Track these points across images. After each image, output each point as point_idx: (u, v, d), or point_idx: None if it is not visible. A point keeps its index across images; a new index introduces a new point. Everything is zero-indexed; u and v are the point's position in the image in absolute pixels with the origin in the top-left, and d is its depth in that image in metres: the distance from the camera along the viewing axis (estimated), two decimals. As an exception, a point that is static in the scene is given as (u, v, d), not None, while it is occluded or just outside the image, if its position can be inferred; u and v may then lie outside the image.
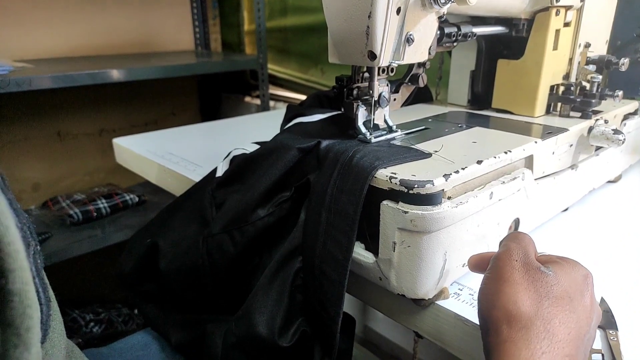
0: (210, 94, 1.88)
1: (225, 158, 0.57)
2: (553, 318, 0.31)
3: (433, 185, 0.39)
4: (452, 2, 0.44)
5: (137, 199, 1.41)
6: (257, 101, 1.67)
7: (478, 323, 0.39)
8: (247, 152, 0.54)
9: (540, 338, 0.30)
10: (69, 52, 1.46)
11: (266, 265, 0.46)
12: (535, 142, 0.51)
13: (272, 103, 1.63)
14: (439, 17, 0.48)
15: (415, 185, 0.38)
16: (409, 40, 0.45)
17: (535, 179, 0.52)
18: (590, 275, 0.35)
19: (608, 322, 0.39)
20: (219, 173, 0.55)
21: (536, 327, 0.30)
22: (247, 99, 1.76)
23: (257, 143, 0.58)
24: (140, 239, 0.59)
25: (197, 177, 0.69)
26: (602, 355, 0.35)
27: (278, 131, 0.61)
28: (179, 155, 0.82)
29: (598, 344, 0.37)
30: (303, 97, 1.54)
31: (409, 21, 0.44)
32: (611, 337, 0.37)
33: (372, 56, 0.43)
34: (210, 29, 1.79)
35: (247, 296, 0.46)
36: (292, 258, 0.45)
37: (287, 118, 0.63)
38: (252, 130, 1.02)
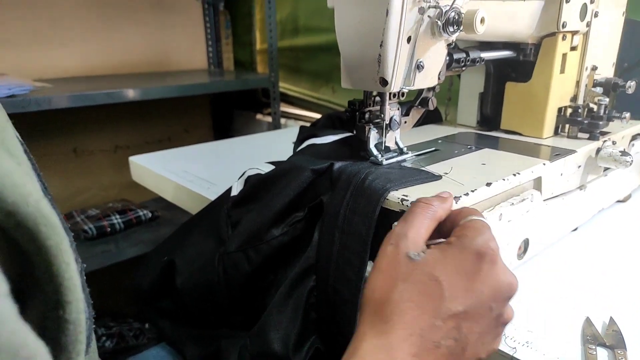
0: (222, 111, 1.91)
1: (240, 177, 0.58)
2: (405, 301, 0.31)
3: (443, 207, 0.40)
4: (461, 31, 0.45)
5: (150, 214, 1.43)
6: (269, 118, 1.70)
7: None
8: (262, 172, 0.56)
9: (385, 320, 0.31)
10: (86, 71, 1.50)
11: (281, 283, 0.48)
12: (544, 164, 0.52)
13: (283, 120, 1.66)
14: (448, 45, 0.50)
15: (426, 208, 0.40)
16: (419, 66, 0.47)
17: (544, 200, 0.53)
18: (488, 254, 0.32)
19: (617, 342, 0.40)
20: (234, 192, 0.57)
21: (383, 311, 0.31)
22: (259, 116, 1.79)
23: (271, 163, 0.60)
24: (157, 256, 0.61)
25: (212, 195, 0.71)
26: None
27: (289, 149, 0.63)
28: (193, 173, 0.84)
29: (605, 365, 0.37)
30: (314, 115, 1.57)
31: (419, 49, 0.46)
32: (619, 357, 0.37)
33: (384, 82, 0.45)
34: (223, 48, 1.83)
35: (261, 313, 0.47)
36: (306, 277, 0.46)
37: (300, 139, 0.65)
38: (263, 148, 1.04)
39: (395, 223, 0.42)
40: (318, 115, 1.46)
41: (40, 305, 0.22)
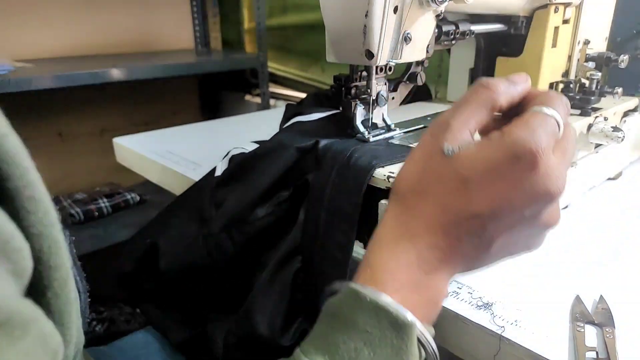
0: (210, 92, 1.88)
1: (224, 157, 0.57)
2: (430, 195, 0.31)
3: (431, 184, 0.39)
4: (450, 0, 0.44)
5: (138, 197, 1.42)
6: (258, 99, 1.67)
7: (478, 321, 0.39)
8: (246, 151, 0.55)
9: (408, 211, 0.31)
10: (69, 51, 1.46)
11: (266, 265, 0.47)
12: (534, 140, 0.51)
13: (272, 101, 1.63)
14: (437, 16, 0.48)
15: (413, 185, 0.38)
16: (406, 39, 0.45)
17: (534, 177, 0.51)
18: (526, 158, 0.28)
19: (606, 320, 0.39)
20: (218, 172, 0.56)
21: (408, 201, 0.32)
22: (248, 97, 1.76)
23: (256, 142, 0.58)
24: (139, 239, 0.59)
25: (197, 177, 0.69)
26: (597, 352, 0.36)
27: (277, 130, 0.62)
28: (179, 154, 0.82)
29: (593, 341, 0.37)
30: (303, 95, 1.54)
31: (406, 20, 0.44)
32: (607, 335, 0.37)
33: (370, 55, 0.43)
34: (211, 27, 1.79)
35: (247, 295, 0.46)
36: (292, 258, 0.45)
37: (286, 117, 0.63)
38: (251, 129, 1.02)
39: (384, 201, 0.41)
40: (308, 96, 1.44)
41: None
